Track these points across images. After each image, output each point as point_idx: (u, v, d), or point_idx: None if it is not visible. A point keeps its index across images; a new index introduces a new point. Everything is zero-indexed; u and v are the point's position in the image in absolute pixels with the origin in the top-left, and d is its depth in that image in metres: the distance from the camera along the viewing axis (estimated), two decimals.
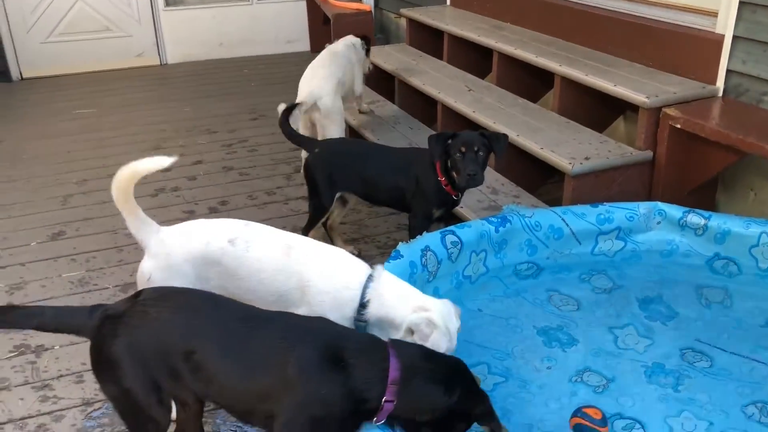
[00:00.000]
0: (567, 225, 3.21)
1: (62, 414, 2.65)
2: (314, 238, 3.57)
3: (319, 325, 2.05)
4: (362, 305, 2.32)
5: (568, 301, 3.04)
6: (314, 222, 3.51)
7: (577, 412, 2.29)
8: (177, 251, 2.37)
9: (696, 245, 3.19)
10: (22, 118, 6.09)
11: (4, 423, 2.61)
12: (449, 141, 3.07)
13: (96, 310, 2.02)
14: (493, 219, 3.15)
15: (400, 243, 2.87)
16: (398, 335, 2.26)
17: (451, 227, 3.04)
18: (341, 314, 2.32)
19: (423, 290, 2.87)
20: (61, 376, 2.86)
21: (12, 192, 4.59)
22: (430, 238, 2.94)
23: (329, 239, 3.79)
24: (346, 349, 1.93)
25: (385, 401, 1.89)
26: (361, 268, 2.43)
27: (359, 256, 3.72)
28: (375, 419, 1.93)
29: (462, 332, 2.86)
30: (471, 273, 3.10)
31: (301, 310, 2.34)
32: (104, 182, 4.69)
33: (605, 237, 3.26)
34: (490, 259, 3.15)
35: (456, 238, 3.00)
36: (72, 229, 4.10)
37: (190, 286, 2.30)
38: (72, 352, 2.99)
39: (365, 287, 2.33)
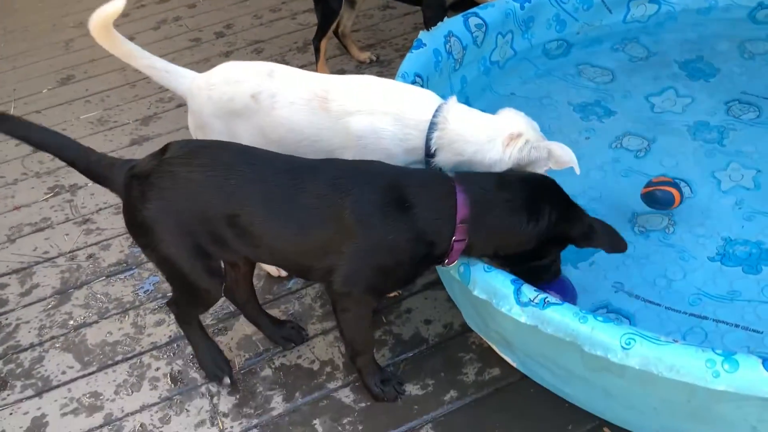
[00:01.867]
0: None
1: (108, 243, 2.69)
2: (326, 48, 3.46)
3: (372, 166, 1.79)
4: (430, 153, 1.88)
5: (602, 73, 2.90)
6: (324, 30, 3.32)
7: (649, 185, 2.21)
8: (205, 107, 2.04)
9: None
10: None
11: (55, 257, 2.67)
12: None
13: (124, 166, 1.81)
14: None
15: (421, 32, 2.71)
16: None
17: (474, 9, 2.83)
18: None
19: (450, 80, 2.78)
20: (100, 209, 2.88)
21: (12, 43, 4.42)
22: (453, 23, 2.75)
23: (343, 48, 3.63)
24: (408, 188, 1.70)
25: (455, 241, 1.69)
26: (423, 101, 1.93)
27: (377, 61, 3.63)
28: (446, 261, 1.75)
29: None
30: (498, 57, 2.94)
31: None
32: None
33: (637, 2, 3.04)
34: (518, 40, 2.98)
35: (480, 20, 2.80)
36: (80, 72, 3.97)
37: None
38: (105, 189, 2.99)
39: (431, 129, 1.87)
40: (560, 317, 1.54)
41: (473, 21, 2.79)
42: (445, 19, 2.82)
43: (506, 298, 1.62)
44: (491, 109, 2.76)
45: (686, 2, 3.03)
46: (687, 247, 2.11)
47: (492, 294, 1.65)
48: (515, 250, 1.75)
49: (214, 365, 2.08)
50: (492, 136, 1.85)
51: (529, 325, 1.60)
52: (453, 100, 1.92)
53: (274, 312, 2.29)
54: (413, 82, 2.47)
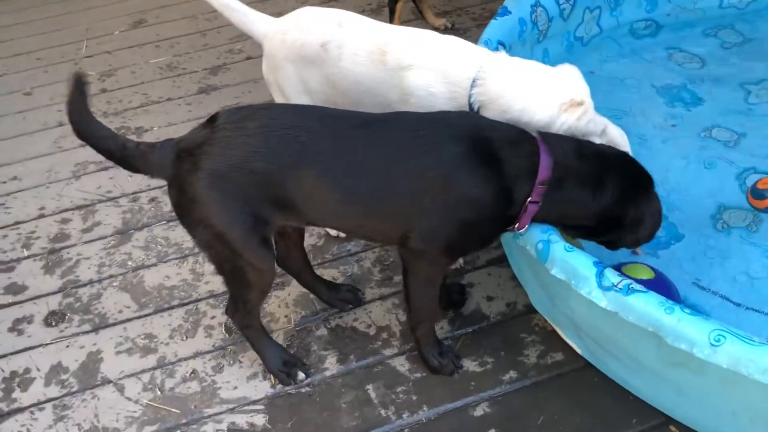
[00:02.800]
0: None
1: None
2: (401, 11, 3.37)
3: (453, 117, 1.71)
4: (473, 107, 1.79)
5: (691, 59, 2.76)
6: None
7: (753, 194, 2.10)
8: (279, 51, 2.02)
9: None
10: None
11: (118, 197, 2.67)
12: None
13: (167, 144, 1.67)
14: None
15: None
16: None
17: None
18: None
19: (532, 52, 2.67)
20: None
21: None
22: None
23: (419, 12, 3.54)
24: (494, 142, 1.61)
25: (530, 202, 1.62)
26: (469, 57, 1.83)
27: (452, 29, 3.52)
28: (517, 225, 1.67)
29: None
30: (583, 34, 2.83)
31: None
32: None
33: None
34: (605, 17, 2.86)
35: None
36: (152, 16, 3.96)
37: (296, 91, 2.03)
38: (171, 133, 2.98)
39: (472, 86, 1.77)
40: (644, 305, 1.45)
41: None
42: None
43: (586, 280, 1.54)
44: None
45: None
46: None
47: (571, 275, 1.57)
48: (576, 222, 1.72)
49: (284, 368, 1.95)
50: (546, 96, 1.73)
51: (606, 311, 1.53)
52: (499, 54, 1.83)
53: (333, 273, 2.25)
54: (496, 50, 2.37)
